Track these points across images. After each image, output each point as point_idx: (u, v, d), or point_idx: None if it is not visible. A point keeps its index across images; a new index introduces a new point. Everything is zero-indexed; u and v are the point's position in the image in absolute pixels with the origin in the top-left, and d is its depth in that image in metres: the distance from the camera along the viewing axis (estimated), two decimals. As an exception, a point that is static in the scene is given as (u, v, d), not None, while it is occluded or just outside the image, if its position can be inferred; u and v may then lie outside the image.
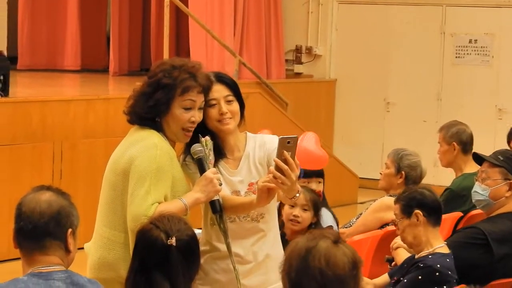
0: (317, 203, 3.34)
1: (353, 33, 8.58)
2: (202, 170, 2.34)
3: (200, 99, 2.36)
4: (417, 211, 2.69)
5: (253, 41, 8.36)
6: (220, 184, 2.32)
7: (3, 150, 5.74)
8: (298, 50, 8.87)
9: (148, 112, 2.35)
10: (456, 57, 7.94)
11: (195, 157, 2.37)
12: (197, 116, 2.37)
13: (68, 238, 1.89)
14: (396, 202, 2.80)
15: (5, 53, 8.10)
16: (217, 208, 2.33)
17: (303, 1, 8.93)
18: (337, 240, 1.67)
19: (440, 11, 8.07)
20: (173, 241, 1.89)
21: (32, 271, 1.85)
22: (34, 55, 9.45)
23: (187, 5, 7.82)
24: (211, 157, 2.42)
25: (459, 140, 4.06)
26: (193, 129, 2.40)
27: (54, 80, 8.74)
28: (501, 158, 3.16)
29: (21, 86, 7.32)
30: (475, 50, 7.91)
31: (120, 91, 7.78)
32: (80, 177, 6.16)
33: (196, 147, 2.35)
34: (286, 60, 8.75)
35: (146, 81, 2.41)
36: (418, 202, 2.71)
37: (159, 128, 2.39)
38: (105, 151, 5.80)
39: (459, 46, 8.05)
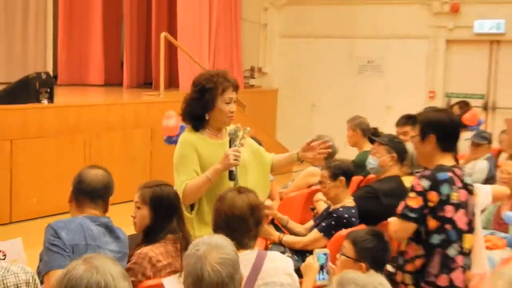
0: None
1: (291, 57, 9.34)
2: (230, 146, 2.49)
3: (234, 95, 2.54)
4: (341, 178, 3.01)
5: (222, 62, 8.90)
6: (235, 159, 2.41)
7: (50, 141, 6.15)
8: (252, 69, 9.80)
9: (200, 110, 2.51)
10: (359, 73, 8.91)
11: (228, 136, 2.53)
12: (234, 108, 2.55)
13: (109, 201, 2.24)
14: (325, 168, 3.06)
15: (51, 73, 8.32)
16: (231, 177, 2.48)
17: (257, 36, 9.67)
18: (242, 191, 2.06)
19: (351, 42, 8.96)
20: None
21: (85, 215, 2.20)
22: (69, 73, 9.98)
23: (176, 37, 8.22)
24: (243, 140, 2.53)
25: (360, 128, 4.55)
26: (233, 116, 2.57)
27: (84, 91, 9.33)
28: (386, 139, 3.50)
29: (61, 96, 7.53)
30: (372, 68, 8.87)
31: (131, 98, 8.41)
32: (103, 160, 5.83)
33: (230, 129, 2.55)
34: (244, 76, 9.50)
35: (193, 89, 2.57)
36: (343, 171, 3.03)
37: (200, 125, 2.57)
38: (121, 140, 6.61)
39: (361, 65, 8.95)
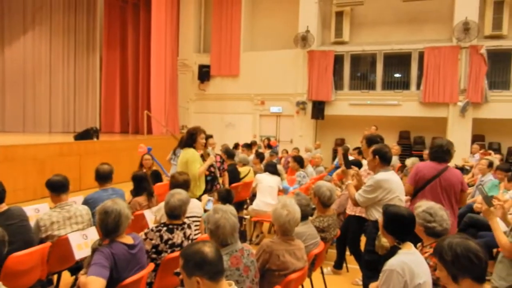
0: None
1: (199, 123, 15.38)
2: (208, 156, 5.32)
3: (204, 136, 5.17)
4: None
5: (171, 124, 15.24)
6: (213, 160, 5.28)
7: (96, 156, 9.83)
8: (183, 126, 16.56)
9: (191, 141, 5.13)
10: (225, 127, 17.51)
11: (209, 154, 5.43)
12: (204, 142, 5.11)
13: (112, 179, 4.48)
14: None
15: (97, 126, 15.75)
16: (212, 165, 5.42)
17: (184, 112, 17.14)
18: (181, 173, 4.46)
19: (223, 116, 17.63)
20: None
21: (101, 189, 4.35)
22: (105, 126, 16.69)
23: (150, 108, 14.64)
24: (212, 155, 5.49)
25: (224, 149, 8.12)
26: (204, 143, 5.17)
27: (111, 135, 14.99)
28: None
29: (102, 137, 12.62)
30: (230, 126, 17.72)
31: (132, 137, 14.51)
32: (117, 161, 8.78)
33: (208, 149, 5.70)
34: (180, 128, 16.97)
35: (187, 132, 5.19)
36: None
37: (192, 146, 5.12)
38: (128, 153, 11.06)
39: (227, 125, 17.37)
